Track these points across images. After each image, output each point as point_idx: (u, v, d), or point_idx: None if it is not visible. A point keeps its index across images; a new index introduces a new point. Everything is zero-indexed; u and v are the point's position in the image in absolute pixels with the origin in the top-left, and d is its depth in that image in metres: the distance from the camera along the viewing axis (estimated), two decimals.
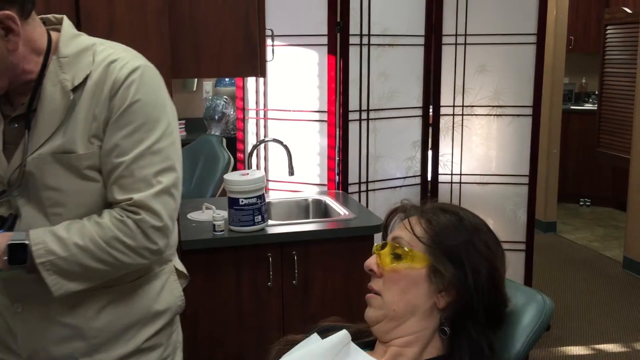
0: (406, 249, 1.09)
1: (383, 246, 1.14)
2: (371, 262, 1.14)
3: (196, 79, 4.75)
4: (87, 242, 1.18)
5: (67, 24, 1.26)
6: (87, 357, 1.30)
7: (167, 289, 1.38)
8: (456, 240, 1.07)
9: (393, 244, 1.11)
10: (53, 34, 1.24)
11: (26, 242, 1.17)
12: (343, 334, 1.10)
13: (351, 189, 2.78)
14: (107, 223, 1.19)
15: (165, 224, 1.22)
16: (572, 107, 6.27)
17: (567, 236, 5.36)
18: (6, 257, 1.16)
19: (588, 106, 6.38)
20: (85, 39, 1.25)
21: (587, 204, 6.29)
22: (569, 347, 3.34)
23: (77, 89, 1.20)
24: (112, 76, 1.19)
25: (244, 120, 2.92)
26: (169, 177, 1.23)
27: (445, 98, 2.96)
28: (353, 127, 2.75)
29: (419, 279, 1.08)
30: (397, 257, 1.09)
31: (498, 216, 2.97)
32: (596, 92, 6.53)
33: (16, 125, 1.22)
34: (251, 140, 2.91)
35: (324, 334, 1.17)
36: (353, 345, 1.11)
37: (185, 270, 1.46)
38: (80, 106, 1.19)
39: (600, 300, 3.99)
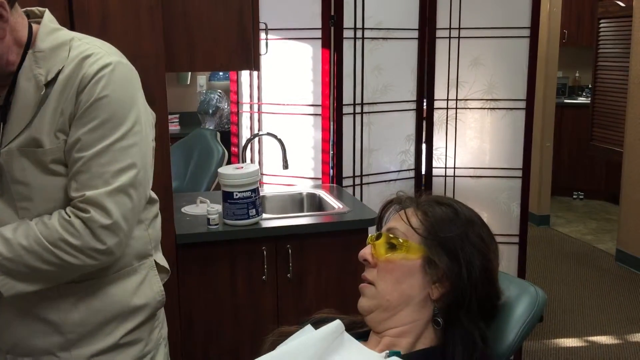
0: (401, 239, 1.10)
1: (378, 237, 1.14)
2: (365, 252, 1.15)
3: (190, 73, 4.74)
4: (32, 243, 1.16)
5: (48, 18, 1.25)
6: (65, 352, 1.29)
7: (147, 284, 1.36)
8: (451, 232, 1.08)
9: (388, 235, 1.12)
10: (34, 27, 1.22)
11: None
12: (336, 324, 1.11)
13: (345, 182, 2.78)
14: (53, 224, 1.18)
15: (116, 222, 1.18)
16: (565, 101, 6.29)
17: (560, 229, 5.39)
18: None
19: (581, 100, 6.40)
20: (63, 34, 1.24)
21: (580, 197, 6.32)
22: (562, 339, 3.37)
23: (50, 83, 1.19)
24: (83, 71, 1.17)
25: (238, 114, 2.91)
26: (127, 176, 1.20)
27: (439, 92, 2.97)
28: (347, 121, 2.75)
29: (413, 270, 1.09)
30: (392, 247, 1.10)
31: (491, 209, 2.98)
32: (589, 86, 6.55)
33: None
34: (245, 134, 2.91)
35: (317, 325, 1.17)
36: (347, 336, 1.11)
37: (167, 265, 1.44)
38: (50, 100, 1.18)
39: (593, 293, 4.01)
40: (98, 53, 1.21)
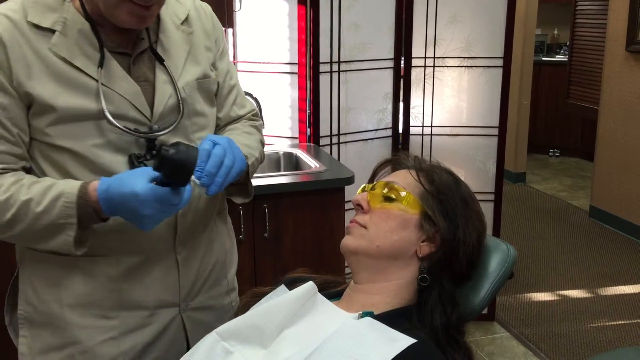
0: (402, 192, 1.10)
1: (373, 187, 1.14)
2: (360, 197, 1.14)
3: None
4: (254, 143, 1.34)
5: None
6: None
7: None
8: (454, 196, 1.10)
9: (387, 186, 1.12)
10: None
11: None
12: (309, 286, 1.11)
13: (322, 141, 2.77)
14: (254, 131, 1.39)
15: None
16: (543, 59, 6.29)
17: (535, 186, 5.46)
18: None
19: (559, 57, 6.41)
20: None
21: (556, 154, 6.39)
22: (535, 294, 3.45)
23: (183, 24, 1.27)
24: (204, 11, 1.32)
25: None
26: None
27: (417, 49, 2.94)
28: (324, 79, 2.73)
29: (409, 223, 1.09)
30: (389, 199, 1.11)
31: (468, 167, 3.00)
32: (568, 44, 6.55)
33: (138, 61, 1.20)
34: None
35: (291, 285, 1.18)
36: (319, 296, 1.11)
37: None
38: (195, 37, 1.27)
39: (566, 249, 4.10)
40: None
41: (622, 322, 3.13)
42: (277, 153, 2.63)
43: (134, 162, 1.15)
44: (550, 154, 6.41)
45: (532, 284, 3.57)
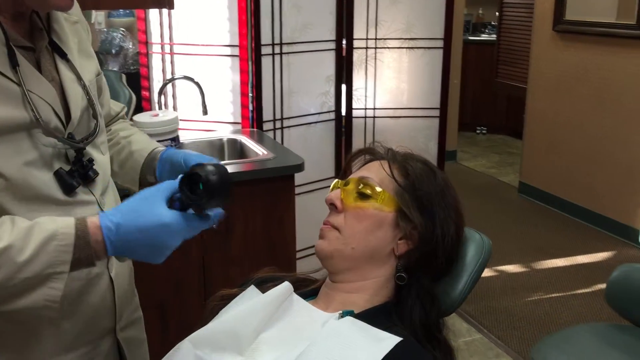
0: (377, 188, 1.05)
1: (346, 183, 1.08)
2: (334, 196, 1.08)
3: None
4: None
5: None
6: None
7: None
8: (429, 189, 1.05)
9: (361, 182, 1.06)
10: None
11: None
12: (285, 287, 1.05)
13: (266, 126, 2.70)
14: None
15: None
16: (470, 38, 6.42)
17: (466, 164, 5.59)
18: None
19: (484, 37, 6.56)
20: None
21: (483, 132, 6.57)
22: None
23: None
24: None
25: (147, 55, 2.71)
26: None
27: (358, 31, 2.90)
28: (266, 62, 2.64)
29: (384, 222, 1.04)
30: (363, 196, 1.05)
31: (410, 149, 3.00)
32: (492, 23, 6.71)
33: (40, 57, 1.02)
34: (157, 77, 2.72)
35: (260, 286, 1.12)
36: (295, 297, 1.06)
37: None
38: (80, 27, 1.13)
39: (499, 225, 4.22)
40: None
41: (558, 294, 3.26)
42: (221, 140, 2.53)
43: (66, 179, 0.99)
44: (477, 131, 6.58)
45: None
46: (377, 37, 2.91)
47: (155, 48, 2.70)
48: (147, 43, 2.70)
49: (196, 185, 0.91)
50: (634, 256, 3.68)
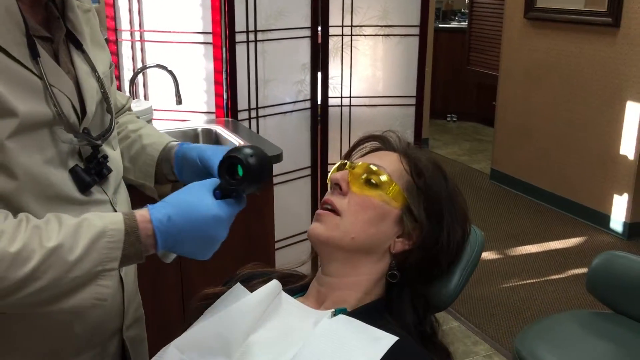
0: (388, 178, 1.00)
1: (353, 166, 1.02)
2: (341, 177, 1.01)
3: None
4: None
5: None
6: None
7: None
8: (440, 192, 1.02)
9: (372, 168, 1.01)
10: None
11: None
12: (274, 285, 1.01)
13: (241, 115, 2.63)
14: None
15: None
16: (440, 25, 6.42)
17: (438, 151, 5.61)
18: None
19: (454, 24, 6.56)
20: None
21: (454, 119, 6.60)
22: None
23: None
24: None
25: (116, 42, 2.62)
26: None
27: (334, 18, 2.85)
28: (240, 50, 2.57)
29: (388, 216, 0.99)
30: (371, 184, 1.00)
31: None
32: (462, 10, 6.73)
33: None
34: (127, 65, 2.63)
35: (247, 283, 1.07)
36: (284, 295, 1.02)
37: None
38: (92, 16, 1.07)
39: (471, 211, 4.20)
40: None
41: (532, 280, 3.29)
42: (195, 130, 2.46)
43: (83, 177, 0.94)
44: (448, 119, 6.60)
45: None
46: (353, 24, 2.86)
47: (125, 35, 2.61)
48: (116, 30, 2.60)
49: (235, 171, 0.89)
50: (605, 242, 3.74)
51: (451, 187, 1.05)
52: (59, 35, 0.96)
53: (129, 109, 1.26)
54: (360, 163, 1.03)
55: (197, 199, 0.88)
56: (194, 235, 0.87)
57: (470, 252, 1.13)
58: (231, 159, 0.89)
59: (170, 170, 1.13)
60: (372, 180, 1.00)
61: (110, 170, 1.00)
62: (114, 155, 1.04)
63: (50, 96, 0.88)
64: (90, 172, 0.95)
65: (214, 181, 0.92)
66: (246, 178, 0.88)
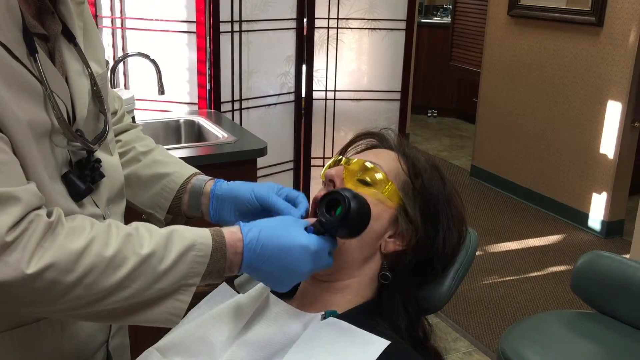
0: (384, 177, 0.96)
1: (348, 162, 0.99)
2: (335, 173, 0.98)
3: None
4: None
5: None
6: None
7: None
8: (437, 195, 0.99)
9: (368, 165, 0.97)
10: None
11: None
12: (261, 287, 0.97)
13: (224, 107, 2.58)
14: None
15: None
16: (422, 21, 6.41)
17: (418, 147, 5.60)
18: None
19: (436, 20, 6.56)
20: None
21: (434, 115, 6.60)
22: None
23: None
24: None
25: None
26: None
27: (320, 10, 2.81)
28: (225, 40, 2.52)
29: (382, 216, 0.96)
30: (365, 182, 0.97)
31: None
32: (445, 6, 6.73)
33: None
34: (107, 53, 2.56)
35: (231, 282, 1.04)
36: (272, 297, 0.98)
37: None
38: (85, 9, 1.00)
39: None
40: None
41: (511, 277, 3.30)
42: (177, 121, 2.41)
43: (78, 184, 0.86)
44: (428, 114, 6.60)
45: None
46: (340, 17, 2.83)
47: (105, 22, 2.54)
48: (96, 16, 2.53)
49: (333, 210, 0.88)
50: (584, 240, 3.77)
51: (448, 190, 1.02)
52: (54, 31, 0.88)
53: (132, 124, 1.15)
54: (355, 159, 1.00)
55: (287, 227, 0.86)
56: (277, 263, 0.85)
57: (463, 253, 1.12)
58: (333, 196, 0.88)
59: (196, 206, 1.06)
60: (367, 178, 0.97)
61: (102, 176, 0.92)
62: (110, 161, 0.97)
63: (51, 103, 0.81)
64: (86, 179, 0.88)
65: (305, 221, 0.91)
66: (344, 217, 0.87)
